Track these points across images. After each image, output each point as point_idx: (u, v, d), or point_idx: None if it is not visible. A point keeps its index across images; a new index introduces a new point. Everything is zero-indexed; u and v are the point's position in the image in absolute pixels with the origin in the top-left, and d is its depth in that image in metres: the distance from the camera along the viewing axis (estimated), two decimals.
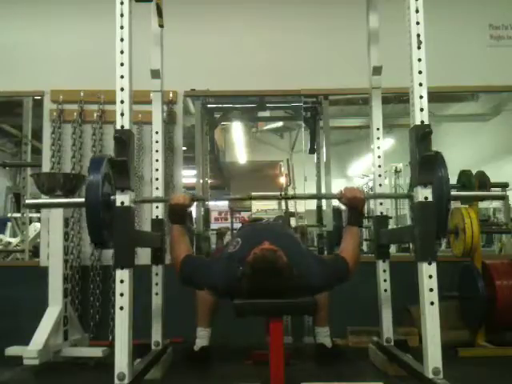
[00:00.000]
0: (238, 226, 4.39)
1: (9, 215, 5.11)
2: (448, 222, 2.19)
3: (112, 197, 2.09)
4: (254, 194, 2.57)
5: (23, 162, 4.26)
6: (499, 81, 3.72)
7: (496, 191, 2.31)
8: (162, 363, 2.57)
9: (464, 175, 3.20)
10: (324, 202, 3.94)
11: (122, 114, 2.00)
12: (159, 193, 2.76)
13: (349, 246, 2.51)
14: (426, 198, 1.97)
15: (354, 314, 3.30)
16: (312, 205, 4.13)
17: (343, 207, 2.72)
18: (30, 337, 2.61)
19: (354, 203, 2.47)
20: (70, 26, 3.76)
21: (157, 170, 2.79)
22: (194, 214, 3.79)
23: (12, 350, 2.73)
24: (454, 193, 2.10)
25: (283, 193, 3.89)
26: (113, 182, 2.16)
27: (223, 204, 5.70)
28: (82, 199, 2.07)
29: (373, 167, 2.86)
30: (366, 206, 2.60)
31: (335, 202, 3.80)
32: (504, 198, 2.24)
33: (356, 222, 2.55)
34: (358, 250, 2.54)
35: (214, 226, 4.55)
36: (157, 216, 2.74)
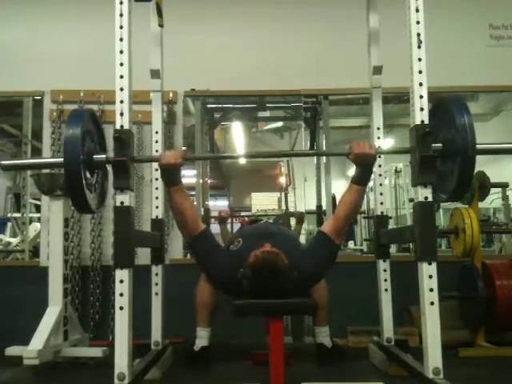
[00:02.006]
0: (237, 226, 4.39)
1: (9, 215, 5.10)
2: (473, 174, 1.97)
3: (95, 156, 1.98)
4: (253, 152, 2.46)
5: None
6: (499, 81, 3.72)
7: None
8: (161, 363, 2.57)
9: None
10: (324, 201, 3.94)
11: (122, 114, 2.00)
12: (159, 193, 2.75)
13: (342, 210, 2.41)
14: (426, 197, 1.97)
15: (354, 314, 3.31)
16: (312, 205, 4.12)
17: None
18: (30, 337, 2.61)
19: (363, 160, 2.26)
20: (69, 26, 3.76)
21: (156, 170, 2.78)
22: None
23: (12, 350, 2.73)
24: (479, 145, 1.90)
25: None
26: (96, 140, 2.04)
27: (223, 204, 5.71)
28: (61, 159, 1.89)
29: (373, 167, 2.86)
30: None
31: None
32: None
33: (361, 180, 2.35)
34: (354, 211, 2.44)
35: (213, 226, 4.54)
36: (157, 216, 2.74)
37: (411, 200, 3.58)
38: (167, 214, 3.44)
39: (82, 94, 3.65)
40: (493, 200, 4.72)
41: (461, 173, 1.93)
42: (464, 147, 1.89)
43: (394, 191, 6.13)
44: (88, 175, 1.99)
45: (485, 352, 2.90)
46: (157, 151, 2.77)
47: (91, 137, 2.02)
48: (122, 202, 1.98)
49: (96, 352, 2.77)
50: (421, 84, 2.00)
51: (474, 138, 1.88)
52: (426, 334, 1.91)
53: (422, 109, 1.98)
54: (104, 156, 2.06)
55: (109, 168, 2.10)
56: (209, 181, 4.42)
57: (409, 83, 2.04)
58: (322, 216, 3.95)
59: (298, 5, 3.81)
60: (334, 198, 3.88)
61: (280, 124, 5.26)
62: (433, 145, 1.98)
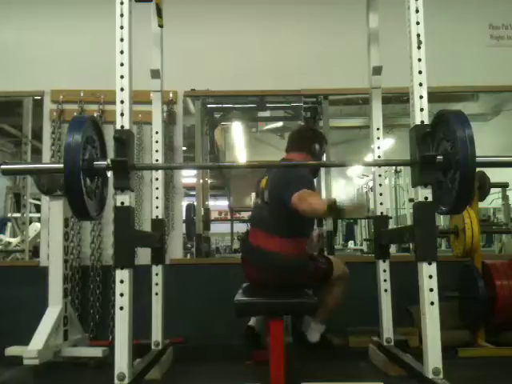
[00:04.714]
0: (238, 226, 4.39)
1: (9, 215, 5.11)
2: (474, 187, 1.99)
3: (95, 162, 1.97)
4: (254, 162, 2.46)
5: (23, 161, 4.26)
6: (499, 81, 3.71)
7: None
8: (161, 363, 2.57)
9: None
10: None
11: (122, 114, 2.00)
12: (159, 193, 2.75)
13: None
14: (426, 198, 1.97)
15: (354, 314, 3.30)
16: None
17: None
18: (30, 337, 2.61)
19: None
20: (69, 26, 3.76)
21: (157, 169, 2.78)
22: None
23: (12, 350, 2.73)
24: (479, 158, 1.88)
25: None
26: (97, 145, 2.03)
27: (223, 204, 5.71)
28: (61, 165, 1.85)
29: (373, 167, 2.86)
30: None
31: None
32: None
33: None
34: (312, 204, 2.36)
35: (213, 226, 4.54)
36: (157, 216, 2.73)
37: (411, 200, 3.58)
38: (167, 213, 3.45)
39: (82, 94, 3.64)
40: (493, 200, 4.73)
41: (461, 186, 1.90)
42: (464, 160, 1.86)
43: (394, 191, 6.14)
44: (88, 182, 1.96)
45: (485, 352, 2.90)
46: (157, 151, 2.76)
47: (92, 143, 2.00)
48: (122, 202, 1.98)
49: (96, 352, 2.77)
50: (421, 84, 2.00)
51: (474, 151, 1.86)
52: (426, 333, 1.91)
53: (421, 109, 1.99)
54: (105, 163, 2.01)
55: (109, 173, 2.08)
56: (209, 181, 4.42)
57: (409, 83, 2.04)
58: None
59: (298, 5, 3.80)
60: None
61: (280, 124, 5.26)
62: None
